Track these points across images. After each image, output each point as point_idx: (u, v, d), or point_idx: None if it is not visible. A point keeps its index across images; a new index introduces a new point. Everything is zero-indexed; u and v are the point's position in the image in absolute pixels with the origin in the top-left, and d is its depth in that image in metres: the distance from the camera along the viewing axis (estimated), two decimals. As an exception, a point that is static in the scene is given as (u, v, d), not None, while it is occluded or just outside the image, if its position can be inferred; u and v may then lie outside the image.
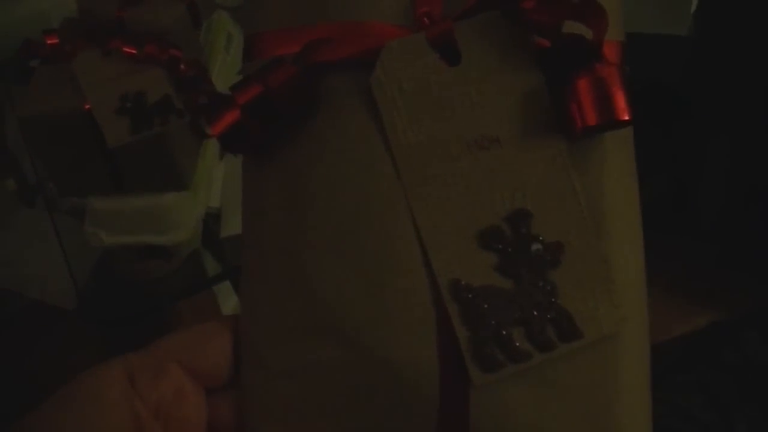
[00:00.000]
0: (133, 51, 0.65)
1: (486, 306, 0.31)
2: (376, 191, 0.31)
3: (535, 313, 0.31)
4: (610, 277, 0.31)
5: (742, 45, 0.64)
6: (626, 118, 0.29)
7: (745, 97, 0.64)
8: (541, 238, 0.31)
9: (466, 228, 0.31)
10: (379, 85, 0.30)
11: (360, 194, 0.31)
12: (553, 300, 0.31)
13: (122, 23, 0.67)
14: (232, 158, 0.74)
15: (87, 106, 0.63)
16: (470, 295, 0.30)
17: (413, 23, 0.31)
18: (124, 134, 0.63)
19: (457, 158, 0.31)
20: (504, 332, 0.31)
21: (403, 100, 0.31)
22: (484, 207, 0.31)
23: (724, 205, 0.68)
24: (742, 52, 0.64)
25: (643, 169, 0.34)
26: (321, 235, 0.31)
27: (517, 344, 0.31)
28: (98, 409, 0.32)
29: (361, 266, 0.31)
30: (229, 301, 0.72)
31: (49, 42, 0.66)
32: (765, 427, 0.59)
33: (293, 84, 0.30)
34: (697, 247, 0.69)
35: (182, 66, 0.64)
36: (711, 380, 0.61)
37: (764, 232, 0.65)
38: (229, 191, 0.74)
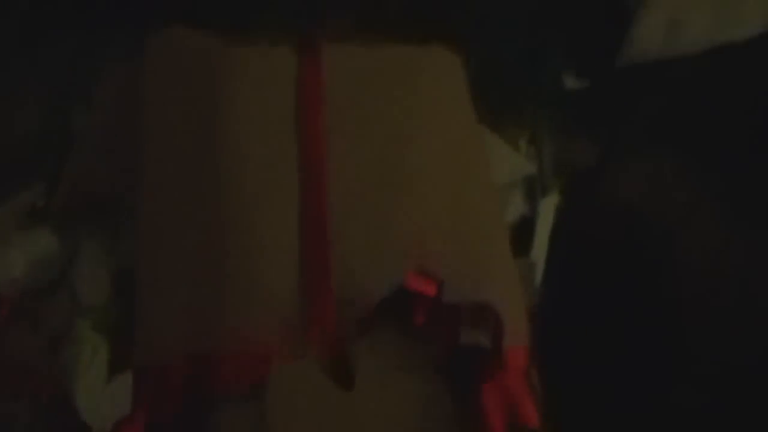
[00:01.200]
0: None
1: None
2: None
3: None
4: None
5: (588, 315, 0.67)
6: (535, 424, 0.29)
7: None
8: None
9: None
10: (269, 415, 0.29)
11: None
12: None
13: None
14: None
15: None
16: None
17: (306, 345, 0.30)
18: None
19: None
20: None
21: (295, 428, 0.29)
22: None
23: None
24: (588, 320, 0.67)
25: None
26: None
27: None
28: None
29: None
30: None
31: None
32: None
33: (180, 419, 0.29)
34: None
35: (45, 392, 0.60)
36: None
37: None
38: None
